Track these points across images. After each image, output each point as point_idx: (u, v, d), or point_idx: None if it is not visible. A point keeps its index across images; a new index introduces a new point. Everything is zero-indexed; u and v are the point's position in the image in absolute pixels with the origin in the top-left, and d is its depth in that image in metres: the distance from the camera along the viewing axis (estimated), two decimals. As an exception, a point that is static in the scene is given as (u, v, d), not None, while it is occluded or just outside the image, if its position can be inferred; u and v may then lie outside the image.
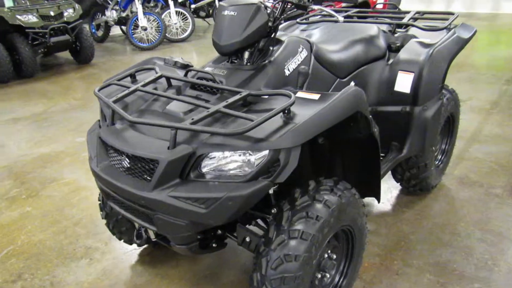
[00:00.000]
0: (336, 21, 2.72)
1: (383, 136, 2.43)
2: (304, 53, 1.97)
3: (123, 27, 8.25)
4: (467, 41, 2.56)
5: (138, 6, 7.32)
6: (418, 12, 2.82)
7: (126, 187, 1.51)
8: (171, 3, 7.82)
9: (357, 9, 3.12)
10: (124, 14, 7.80)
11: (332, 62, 2.15)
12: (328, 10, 2.99)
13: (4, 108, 5.01)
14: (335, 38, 2.43)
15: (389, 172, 2.58)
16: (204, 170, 1.47)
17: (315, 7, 2.12)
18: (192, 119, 1.43)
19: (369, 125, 1.68)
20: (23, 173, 3.44)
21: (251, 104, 1.62)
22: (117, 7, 7.88)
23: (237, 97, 1.54)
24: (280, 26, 2.84)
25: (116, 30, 9.13)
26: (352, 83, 2.30)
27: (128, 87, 1.75)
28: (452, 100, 2.73)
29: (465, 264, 2.19)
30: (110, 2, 7.94)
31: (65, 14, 6.18)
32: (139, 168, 1.52)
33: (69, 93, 5.57)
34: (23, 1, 6.32)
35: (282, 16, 1.85)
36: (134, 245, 2.40)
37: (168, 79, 1.84)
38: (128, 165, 1.56)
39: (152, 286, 2.16)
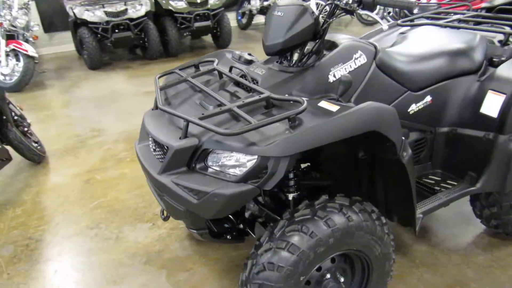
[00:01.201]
0: (440, 25, 2.46)
1: (459, 162, 2.13)
2: (361, 60, 1.84)
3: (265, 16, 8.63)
4: None
5: (278, -3, 7.54)
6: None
7: (147, 166, 1.68)
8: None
9: (475, 13, 2.71)
10: (266, 4, 8.16)
11: (402, 72, 1.96)
12: (427, 14, 2.69)
13: (145, 82, 5.81)
14: (422, 45, 2.19)
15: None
16: (209, 163, 1.54)
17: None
18: (202, 114, 1.51)
19: (395, 147, 1.50)
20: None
21: (274, 107, 1.61)
22: (262, -3, 8.27)
23: (255, 98, 1.55)
24: (381, 27, 2.69)
25: (260, 19, 9.60)
26: (428, 98, 2.06)
27: (182, 77, 1.90)
28: None
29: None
30: (255, -9, 8.37)
31: (210, 1, 6.78)
32: (159, 152, 1.67)
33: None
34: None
35: (331, 20, 1.76)
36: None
37: (219, 72, 1.94)
38: (154, 148, 1.72)
39: (190, 261, 2.35)
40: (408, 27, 2.57)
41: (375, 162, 1.75)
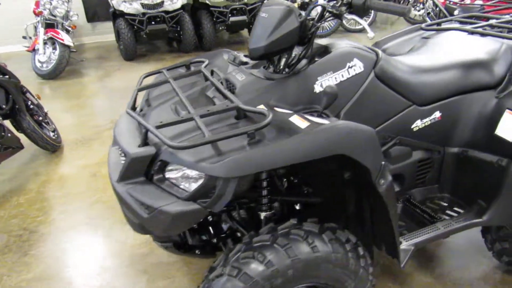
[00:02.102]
0: (466, 31, 2.18)
1: (469, 188, 1.88)
2: (357, 68, 1.64)
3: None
4: None
5: (319, -7, 7.28)
6: None
7: (110, 172, 1.59)
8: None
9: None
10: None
11: (407, 83, 1.74)
12: (457, 17, 2.40)
13: (175, 75, 5.81)
14: (438, 53, 1.94)
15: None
16: (167, 175, 1.42)
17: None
18: (161, 122, 1.39)
19: (369, 174, 1.31)
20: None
21: (246, 118, 1.46)
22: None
23: (221, 107, 1.41)
24: (403, 30, 2.44)
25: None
26: (437, 114, 1.82)
27: (166, 77, 1.79)
28: None
29: None
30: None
31: (247, -4, 6.66)
32: (124, 158, 1.57)
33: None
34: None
35: (319, 24, 1.57)
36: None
37: (204, 75, 1.81)
38: (120, 152, 1.63)
39: (174, 268, 2.25)
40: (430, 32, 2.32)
41: (361, 185, 1.56)
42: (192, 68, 1.99)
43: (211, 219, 1.78)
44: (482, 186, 1.80)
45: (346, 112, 1.65)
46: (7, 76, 3.06)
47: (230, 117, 1.47)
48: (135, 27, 6.30)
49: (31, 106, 3.41)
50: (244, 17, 6.70)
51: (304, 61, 1.64)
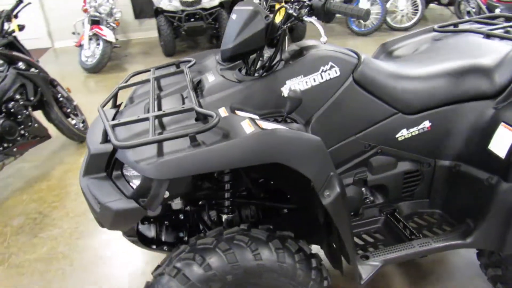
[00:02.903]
0: (481, 33, 2.03)
1: (460, 206, 1.75)
2: (332, 73, 1.59)
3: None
4: None
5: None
6: None
7: (82, 164, 1.67)
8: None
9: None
10: (351, -4, 7.67)
11: (392, 89, 1.65)
12: (476, 17, 2.23)
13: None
14: (435, 58, 1.83)
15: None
16: (125, 173, 1.47)
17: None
18: (118, 120, 1.44)
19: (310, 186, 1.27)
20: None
21: (205, 119, 1.47)
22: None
23: (177, 109, 1.43)
24: (416, 31, 2.32)
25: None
26: (426, 124, 1.71)
27: (149, 77, 1.85)
28: None
29: None
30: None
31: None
32: None
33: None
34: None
35: (285, 26, 1.54)
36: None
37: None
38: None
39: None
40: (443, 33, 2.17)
41: None
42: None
43: (182, 217, 1.81)
44: (471, 205, 1.67)
45: (319, 117, 1.61)
46: (36, 70, 3.29)
47: (191, 119, 1.48)
48: (175, 24, 6.48)
49: (61, 99, 3.65)
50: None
51: (282, 64, 1.62)
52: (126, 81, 1.91)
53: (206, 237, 1.41)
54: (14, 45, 3.27)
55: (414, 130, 1.72)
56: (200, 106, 1.53)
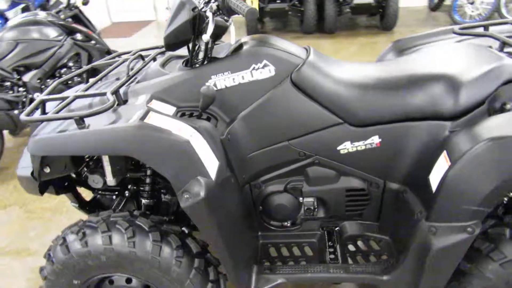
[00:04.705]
0: (498, 39, 1.71)
1: (401, 236, 1.54)
2: (265, 72, 1.50)
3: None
4: None
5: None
6: None
7: None
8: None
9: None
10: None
11: (336, 96, 1.50)
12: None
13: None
14: (402, 66, 1.60)
15: None
16: None
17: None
18: (48, 96, 1.56)
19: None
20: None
21: (125, 104, 1.52)
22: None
23: (94, 92, 1.51)
24: (434, 31, 2.03)
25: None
26: (375, 139, 1.52)
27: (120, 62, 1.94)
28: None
29: None
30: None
31: (378, -23, 6.13)
32: None
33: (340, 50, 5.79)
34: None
35: (212, 17, 1.47)
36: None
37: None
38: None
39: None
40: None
41: None
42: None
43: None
44: (404, 239, 1.45)
45: (245, 117, 1.54)
46: (93, 42, 3.66)
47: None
48: (259, 4, 6.50)
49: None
50: (370, 0, 6.22)
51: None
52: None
53: (98, 216, 1.48)
54: (78, 17, 3.67)
55: (360, 145, 1.53)
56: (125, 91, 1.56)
